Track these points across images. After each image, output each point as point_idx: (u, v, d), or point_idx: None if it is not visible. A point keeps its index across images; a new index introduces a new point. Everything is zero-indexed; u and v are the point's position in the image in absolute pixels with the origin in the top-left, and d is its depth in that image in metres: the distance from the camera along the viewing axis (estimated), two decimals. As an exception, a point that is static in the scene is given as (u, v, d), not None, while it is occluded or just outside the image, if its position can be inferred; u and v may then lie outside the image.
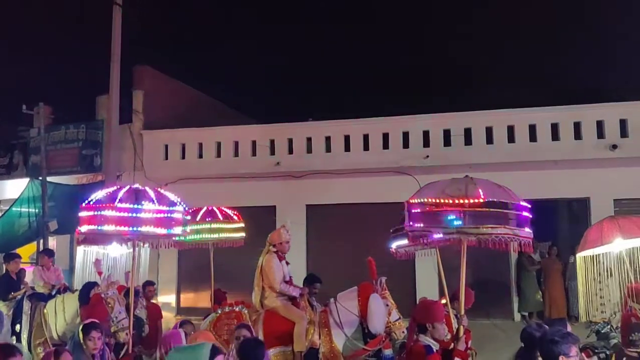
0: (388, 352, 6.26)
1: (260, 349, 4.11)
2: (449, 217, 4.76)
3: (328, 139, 12.69)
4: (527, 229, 4.92)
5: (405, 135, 12.26)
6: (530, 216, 4.99)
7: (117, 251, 8.14)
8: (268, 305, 6.63)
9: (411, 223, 4.85)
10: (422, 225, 4.85)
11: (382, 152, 12.28)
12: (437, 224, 4.81)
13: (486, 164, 11.32)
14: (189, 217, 6.28)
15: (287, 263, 6.84)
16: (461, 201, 4.74)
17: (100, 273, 6.52)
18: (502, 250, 4.93)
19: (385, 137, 12.35)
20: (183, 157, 13.45)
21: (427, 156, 11.94)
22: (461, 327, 5.08)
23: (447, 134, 12.09)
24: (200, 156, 13.38)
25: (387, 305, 6.26)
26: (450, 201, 4.77)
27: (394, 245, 6.10)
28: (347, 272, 10.58)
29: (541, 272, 11.58)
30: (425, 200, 4.85)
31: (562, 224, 12.54)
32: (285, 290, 6.58)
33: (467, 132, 11.98)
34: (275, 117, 13.43)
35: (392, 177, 11.95)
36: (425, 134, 12.18)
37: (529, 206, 5.03)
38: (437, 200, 4.81)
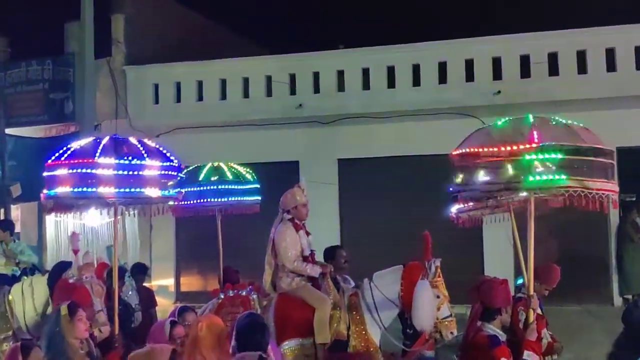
0: (430, 354, 6.32)
1: (260, 332, 4.17)
2: (501, 169, 4.95)
3: (366, 72, 12.57)
4: (608, 182, 5.02)
5: (469, 65, 12.07)
6: (611, 162, 5.13)
7: (95, 221, 8.14)
8: (282, 288, 6.68)
9: (458, 180, 5.16)
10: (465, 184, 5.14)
11: (437, 88, 12.16)
12: (477, 181, 5.06)
13: (577, 100, 11.14)
14: (184, 176, 6.21)
15: (308, 233, 6.81)
16: (508, 148, 4.89)
17: (76, 252, 6.48)
18: (594, 211, 5.01)
19: (442, 67, 12.19)
20: (178, 100, 13.49)
21: (499, 92, 11.75)
22: (531, 311, 5.19)
23: (524, 61, 11.84)
24: (201, 98, 13.41)
25: (438, 297, 6.14)
26: (495, 149, 4.93)
27: (454, 209, 6.10)
28: (391, 247, 10.62)
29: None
30: (468, 150, 5.05)
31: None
32: (302, 269, 6.56)
33: (552, 59, 11.72)
34: (296, 46, 13.34)
35: (451, 121, 11.79)
36: (496, 62, 11.96)
37: (612, 150, 5.16)
38: (479, 150, 4.99)
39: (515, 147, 4.87)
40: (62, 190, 5.52)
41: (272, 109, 12.80)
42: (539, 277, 5.70)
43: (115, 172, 5.48)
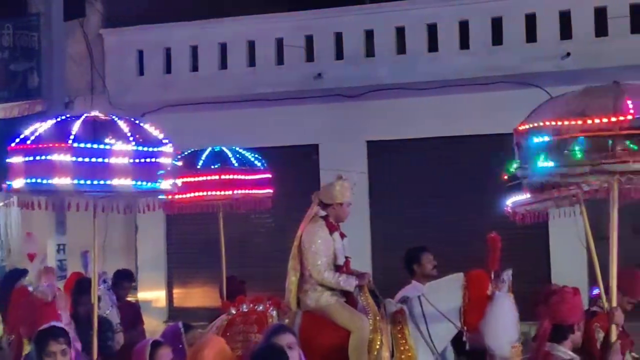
0: None
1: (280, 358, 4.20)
2: (575, 149, 4.93)
3: (400, 32, 12.53)
4: None
5: (530, 21, 12.00)
6: None
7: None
8: (308, 305, 6.71)
9: (524, 165, 5.15)
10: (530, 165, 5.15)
11: (491, 51, 12.13)
12: (559, 162, 5.00)
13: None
14: (180, 163, 6.21)
15: (343, 235, 6.90)
16: (596, 121, 4.84)
17: (31, 256, 6.56)
18: None
19: (497, 24, 12.13)
20: (168, 71, 13.55)
21: (568, 54, 11.69)
22: (613, 327, 5.21)
23: (600, 15, 11.72)
24: (195, 68, 13.44)
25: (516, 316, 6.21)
26: (580, 122, 4.90)
27: (510, 202, 6.17)
28: (436, 250, 10.56)
29: None
30: (542, 124, 5.03)
31: None
32: (333, 282, 6.62)
33: (636, 11, 11.56)
34: (314, 1, 13.22)
35: (508, 92, 11.81)
36: (564, 18, 11.87)
37: None
38: (558, 123, 4.97)
39: (605, 120, 4.84)
40: (26, 182, 5.49)
41: (285, 80, 12.77)
42: (621, 286, 5.67)
43: (93, 159, 5.44)
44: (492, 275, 6.31)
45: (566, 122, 4.94)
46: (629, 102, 4.86)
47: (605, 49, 11.53)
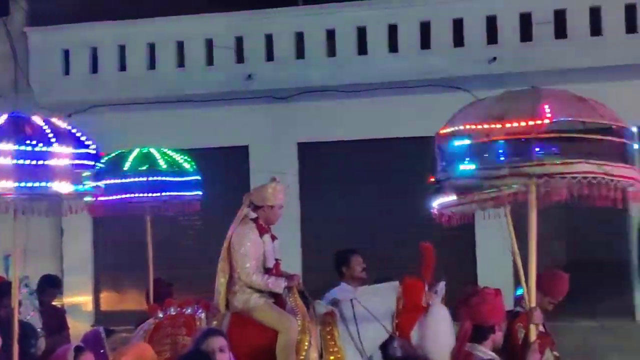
0: None
1: None
2: (494, 152, 5.01)
3: (331, 34, 12.59)
4: (629, 167, 5.08)
5: (458, 26, 12.16)
6: (629, 143, 5.19)
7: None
8: (236, 306, 6.71)
9: (446, 168, 5.19)
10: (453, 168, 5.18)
11: (420, 54, 12.24)
12: (479, 165, 5.08)
13: (590, 69, 11.30)
14: (103, 165, 6.13)
15: (274, 237, 6.90)
16: (515, 124, 4.90)
17: None
18: (608, 206, 5.07)
19: (425, 28, 12.27)
20: (95, 70, 13.37)
21: (494, 58, 11.87)
22: (532, 327, 5.24)
23: (525, 20, 11.97)
24: (123, 68, 13.29)
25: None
26: (499, 126, 4.96)
27: (437, 203, 6.18)
28: (366, 252, 10.65)
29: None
30: (462, 128, 5.08)
31: None
32: (262, 284, 6.61)
33: (559, 17, 11.84)
34: (245, 1, 13.16)
35: (436, 95, 11.91)
36: (491, 22, 12.07)
37: (632, 129, 5.20)
38: (475, 127, 5.03)
39: (522, 124, 4.89)
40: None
41: (215, 80, 12.72)
42: (542, 287, 5.76)
43: (15, 161, 5.31)
44: (426, 286, 6.39)
45: (486, 126, 4.99)
46: (546, 106, 4.92)
47: (530, 54, 11.74)
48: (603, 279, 11.38)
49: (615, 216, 10.76)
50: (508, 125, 4.92)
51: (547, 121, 4.84)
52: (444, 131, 5.21)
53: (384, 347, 6.58)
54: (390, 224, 12.00)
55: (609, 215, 9.66)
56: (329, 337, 6.53)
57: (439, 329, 6.13)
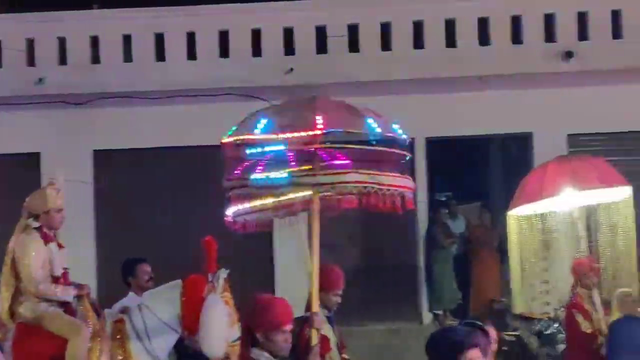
0: None
1: None
2: (278, 162, 5.23)
3: (127, 39, 12.47)
4: (403, 177, 5.36)
5: (256, 35, 12.32)
6: (406, 155, 5.48)
7: None
8: (23, 315, 6.49)
9: (229, 176, 5.32)
10: (241, 177, 5.33)
11: (218, 63, 12.33)
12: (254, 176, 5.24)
13: (381, 82, 11.77)
14: None
15: (60, 246, 6.70)
16: (296, 134, 5.09)
17: None
18: (398, 212, 5.38)
19: (224, 37, 12.36)
20: None
21: (291, 69, 12.12)
22: (314, 331, 5.38)
23: (321, 32, 12.29)
24: None
25: (229, 315, 6.30)
26: (274, 136, 5.12)
27: (231, 211, 6.19)
28: (165, 260, 10.58)
29: (468, 248, 12.43)
30: (244, 137, 5.26)
31: (497, 174, 13.35)
32: (50, 293, 6.43)
33: (353, 31, 12.25)
34: (36, 2, 12.84)
35: (233, 104, 11.85)
36: (288, 34, 12.30)
37: (406, 138, 5.46)
38: (256, 138, 5.21)
39: (297, 135, 5.06)
40: None
41: (3, 83, 12.20)
42: (321, 285, 5.84)
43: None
44: (210, 278, 6.40)
45: (272, 136, 5.14)
46: (318, 117, 5.07)
47: (326, 66, 12.06)
48: (393, 284, 11.80)
49: (405, 224, 11.33)
50: (289, 135, 5.09)
51: (318, 132, 5.02)
52: (229, 140, 5.30)
53: (176, 347, 6.60)
54: (187, 233, 11.94)
55: (400, 222, 10.00)
56: (119, 344, 6.46)
57: (210, 318, 6.15)
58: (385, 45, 12.30)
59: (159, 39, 12.38)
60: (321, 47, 12.29)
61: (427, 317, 12.34)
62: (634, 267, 7.47)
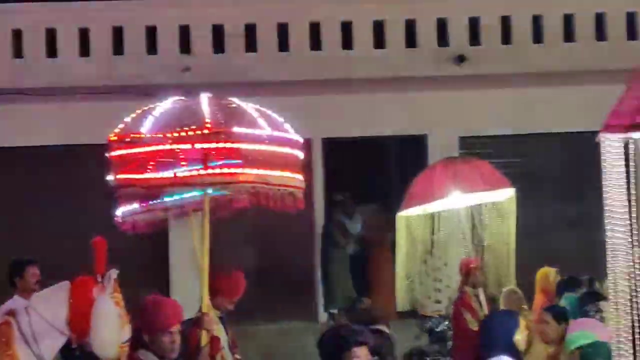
0: None
1: None
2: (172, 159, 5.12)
3: (17, 34, 12.18)
4: (293, 176, 5.37)
5: (151, 32, 12.21)
6: (297, 154, 5.47)
7: None
8: None
9: (115, 175, 5.26)
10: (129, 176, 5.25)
11: (111, 60, 12.16)
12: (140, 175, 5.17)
13: (278, 83, 11.81)
14: None
15: None
16: (182, 134, 5.05)
17: None
18: (293, 211, 5.45)
19: (118, 33, 12.20)
20: None
21: (188, 68, 12.04)
22: (203, 332, 5.42)
23: (218, 31, 12.27)
24: None
25: (119, 316, 6.21)
26: (161, 135, 5.09)
27: (120, 211, 6.11)
28: (54, 263, 10.36)
29: (365, 249, 12.50)
30: (129, 136, 5.23)
31: (394, 175, 13.54)
32: None
33: (250, 30, 12.28)
34: None
35: (127, 103, 11.54)
36: (184, 31, 12.24)
37: (295, 138, 5.47)
38: (142, 136, 5.16)
39: (185, 133, 5.01)
40: None
41: None
42: (219, 288, 5.90)
43: None
44: (99, 279, 6.30)
45: (160, 135, 5.07)
46: (207, 116, 5.09)
47: (224, 66, 12.02)
48: (289, 284, 11.86)
49: (301, 223, 11.36)
50: (176, 134, 5.03)
51: (207, 131, 4.99)
52: (113, 137, 5.25)
53: (62, 350, 6.47)
54: (77, 233, 11.69)
55: (296, 221, 10.01)
56: (5, 347, 6.30)
57: (100, 319, 6.07)
58: (283, 45, 12.34)
59: (50, 34, 12.10)
60: (218, 46, 12.24)
61: (322, 316, 12.39)
62: (513, 266, 7.77)
